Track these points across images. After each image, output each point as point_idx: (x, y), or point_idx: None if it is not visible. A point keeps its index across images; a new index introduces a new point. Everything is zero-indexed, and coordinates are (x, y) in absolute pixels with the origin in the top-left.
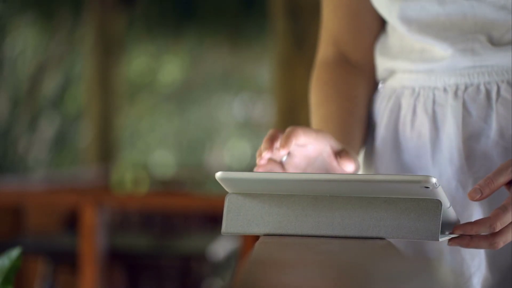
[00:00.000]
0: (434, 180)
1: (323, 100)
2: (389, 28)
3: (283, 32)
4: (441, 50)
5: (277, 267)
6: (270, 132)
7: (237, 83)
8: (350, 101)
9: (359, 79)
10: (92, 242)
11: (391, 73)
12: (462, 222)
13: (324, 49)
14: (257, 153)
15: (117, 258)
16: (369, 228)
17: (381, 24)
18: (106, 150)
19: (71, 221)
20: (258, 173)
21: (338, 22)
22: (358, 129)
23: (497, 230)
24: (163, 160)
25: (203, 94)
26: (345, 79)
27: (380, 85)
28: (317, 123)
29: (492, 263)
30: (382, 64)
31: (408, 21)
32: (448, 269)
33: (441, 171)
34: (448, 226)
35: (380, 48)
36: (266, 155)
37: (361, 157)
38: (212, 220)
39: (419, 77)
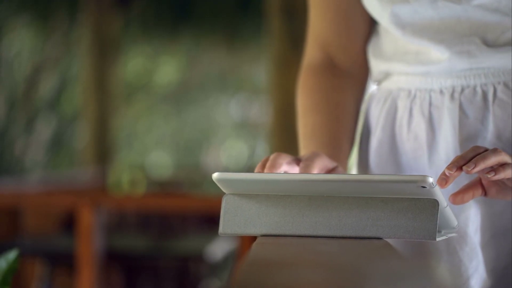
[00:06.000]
0: (431, 179)
1: (310, 108)
2: (381, 29)
3: (279, 32)
4: (437, 53)
5: (275, 268)
6: (275, 157)
7: (234, 84)
8: (338, 109)
9: (347, 84)
10: (89, 243)
11: (386, 75)
12: (459, 223)
13: (311, 53)
14: (256, 168)
15: (115, 260)
16: (366, 228)
17: (371, 26)
18: (103, 152)
19: (68, 223)
20: (255, 174)
21: (327, 26)
22: (346, 138)
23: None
24: (160, 161)
25: (199, 94)
26: (333, 84)
27: (375, 87)
28: (305, 133)
29: (490, 265)
30: (376, 66)
31: (401, 25)
32: (446, 269)
33: (437, 173)
34: (446, 225)
35: (373, 50)
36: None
37: (352, 162)
38: (209, 220)
39: (415, 79)
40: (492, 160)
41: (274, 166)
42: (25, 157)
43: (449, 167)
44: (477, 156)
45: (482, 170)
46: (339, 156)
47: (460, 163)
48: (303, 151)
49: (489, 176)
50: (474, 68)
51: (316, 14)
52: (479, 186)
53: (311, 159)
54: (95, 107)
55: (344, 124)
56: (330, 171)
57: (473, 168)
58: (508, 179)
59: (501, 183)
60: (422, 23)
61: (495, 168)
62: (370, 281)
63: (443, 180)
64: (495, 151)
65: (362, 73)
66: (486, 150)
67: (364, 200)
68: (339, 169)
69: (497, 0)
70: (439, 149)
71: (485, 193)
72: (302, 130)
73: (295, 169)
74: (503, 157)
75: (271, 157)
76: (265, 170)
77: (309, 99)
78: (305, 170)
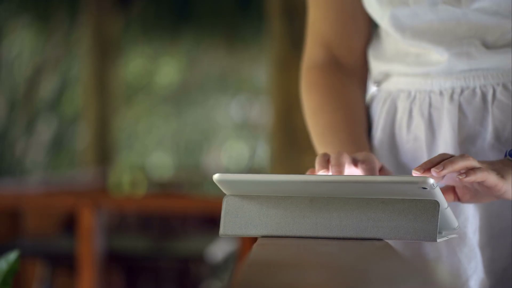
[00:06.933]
0: (431, 181)
1: (323, 105)
2: (382, 31)
3: (280, 33)
4: (437, 54)
5: (275, 269)
6: (337, 156)
7: (234, 85)
8: (352, 106)
9: (354, 84)
10: (90, 244)
11: (386, 76)
12: (459, 223)
13: (313, 52)
14: (319, 164)
15: (115, 260)
16: (366, 229)
17: (372, 26)
18: (104, 152)
19: (69, 224)
20: (256, 175)
21: (330, 25)
22: (364, 137)
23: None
24: (161, 162)
25: (200, 95)
26: (342, 82)
27: (375, 88)
28: (323, 131)
29: (488, 266)
30: (376, 67)
31: (401, 28)
32: (446, 270)
33: None
34: (446, 226)
35: (374, 51)
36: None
37: None
38: (210, 221)
39: (415, 80)
40: (460, 165)
41: (340, 165)
42: (26, 158)
43: (416, 168)
44: (446, 160)
45: (452, 175)
46: None
47: (427, 166)
48: (322, 149)
49: (460, 177)
50: (474, 69)
51: (317, 14)
52: (450, 192)
53: (371, 160)
54: (95, 108)
55: (360, 120)
56: (380, 170)
57: (441, 170)
58: (479, 183)
59: (473, 189)
60: (422, 26)
61: (466, 171)
62: (370, 282)
63: None
64: (463, 156)
65: (364, 72)
66: (453, 156)
67: (365, 201)
68: (385, 168)
69: (497, 4)
70: (439, 150)
71: (458, 198)
72: (318, 128)
73: (354, 170)
74: (471, 162)
75: (334, 156)
76: (331, 169)
77: (319, 97)
78: (368, 172)
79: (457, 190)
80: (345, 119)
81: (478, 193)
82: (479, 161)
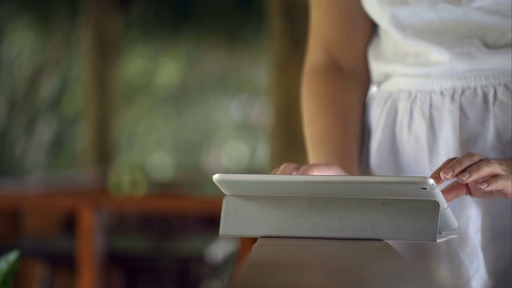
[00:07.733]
0: (431, 181)
1: (318, 113)
2: (382, 32)
3: (280, 33)
4: (437, 55)
5: (275, 269)
6: (284, 167)
7: (234, 85)
8: (345, 114)
9: (352, 86)
10: (90, 244)
11: (387, 77)
12: (460, 224)
13: (314, 55)
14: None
15: (115, 261)
16: (366, 229)
17: (373, 28)
18: (104, 153)
19: (69, 224)
20: (256, 175)
21: (330, 27)
22: (355, 145)
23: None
24: (161, 162)
25: (200, 96)
26: (339, 87)
27: (375, 89)
28: (313, 140)
29: (490, 266)
30: (377, 68)
31: (402, 28)
32: (447, 271)
33: None
34: (446, 227)
35: (374, 52)
36: None
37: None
38: (210, 222)
39: (416, 81)
40: (485, 171)
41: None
42: (26, 158)
43: (446, 171)
44: (472, 166)
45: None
46: (349, 163)
47: (456, 171)
48: (312, 158)
49: (482, 187)
50: (475, 69)
51: (318, 16)
52: (463, 186)
53: (308, 169)
54: (95, 108)
55: (352, 129)
56: None
57: (468, 178)
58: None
59: None
60: (422, 25)
61: (487, 180)
62: (370, 282)
63: (435, 179)
64: (488, 161)
65: (365, 74)
66: (480, 159)
67: (365, 201)
68: None
69: (497, 3)
70: (440, 150)
71: (469, 193)
72: (310, 136)
73: None
74: (495, 168)
75: (281, 167)
76: None
77: (315, 104)
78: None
79: (470, 185)
80: (336, 128)
81: (490, 191)
82: (497, 161)
